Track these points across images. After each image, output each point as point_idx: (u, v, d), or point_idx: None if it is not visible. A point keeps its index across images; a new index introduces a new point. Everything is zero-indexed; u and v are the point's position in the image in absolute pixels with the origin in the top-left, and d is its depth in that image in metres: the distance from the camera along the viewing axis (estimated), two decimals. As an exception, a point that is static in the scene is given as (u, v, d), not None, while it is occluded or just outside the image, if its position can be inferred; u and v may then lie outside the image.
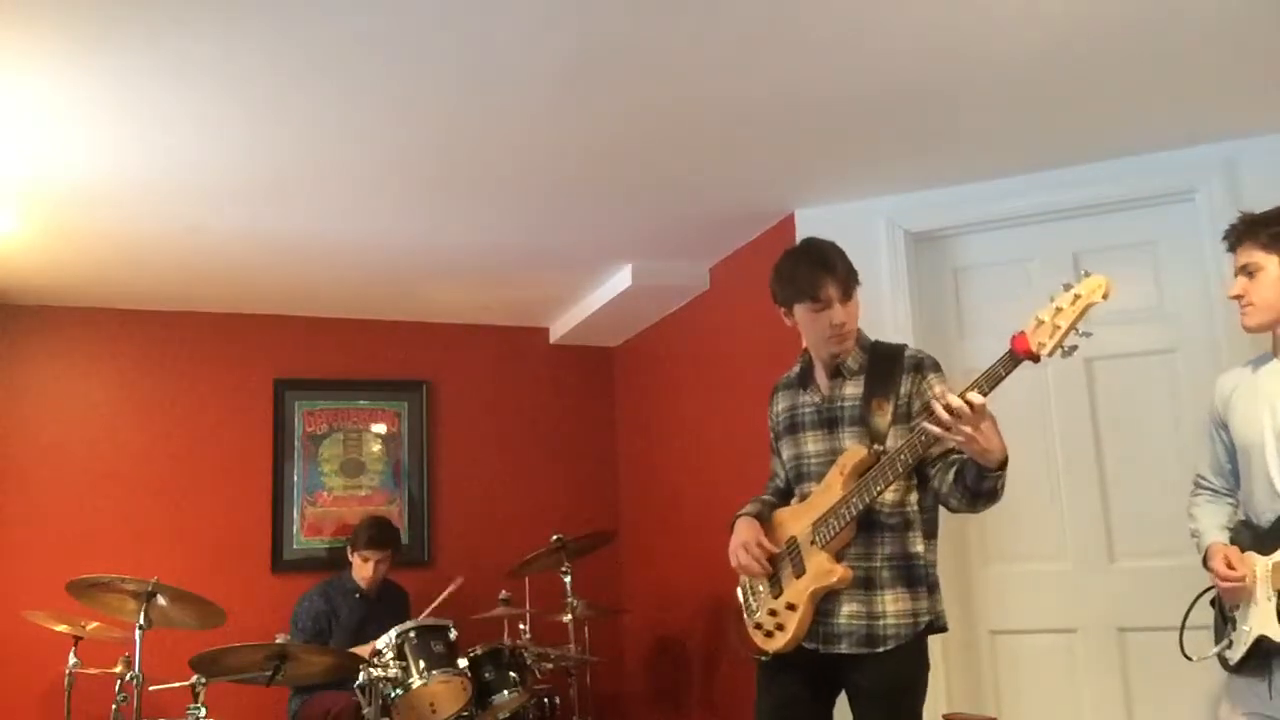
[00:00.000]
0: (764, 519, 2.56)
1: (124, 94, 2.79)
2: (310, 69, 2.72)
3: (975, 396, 2.06)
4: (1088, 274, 2.04)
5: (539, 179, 3.55)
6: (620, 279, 4.59)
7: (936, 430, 2.09)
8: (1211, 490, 2.51)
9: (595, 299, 4.86)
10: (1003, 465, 2.15)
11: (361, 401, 5.14)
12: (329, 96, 2.88)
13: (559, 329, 5.38)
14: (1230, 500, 2.48)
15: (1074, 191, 3.47)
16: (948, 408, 2.06)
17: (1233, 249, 2.36)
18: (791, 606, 2.39)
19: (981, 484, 2.18)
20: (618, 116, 3.07)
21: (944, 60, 2.78)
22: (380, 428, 5.16)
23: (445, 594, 4.23)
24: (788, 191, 3.73)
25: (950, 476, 2.28)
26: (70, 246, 3.96)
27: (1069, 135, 3.28)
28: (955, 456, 2.27)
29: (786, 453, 2.59)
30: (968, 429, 2.06)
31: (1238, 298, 2.33)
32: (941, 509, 2.46)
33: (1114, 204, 3.45)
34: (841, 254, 2.51)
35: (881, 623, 2.34)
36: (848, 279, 2.47)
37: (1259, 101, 3.07)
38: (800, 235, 3.73)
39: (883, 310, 3.59)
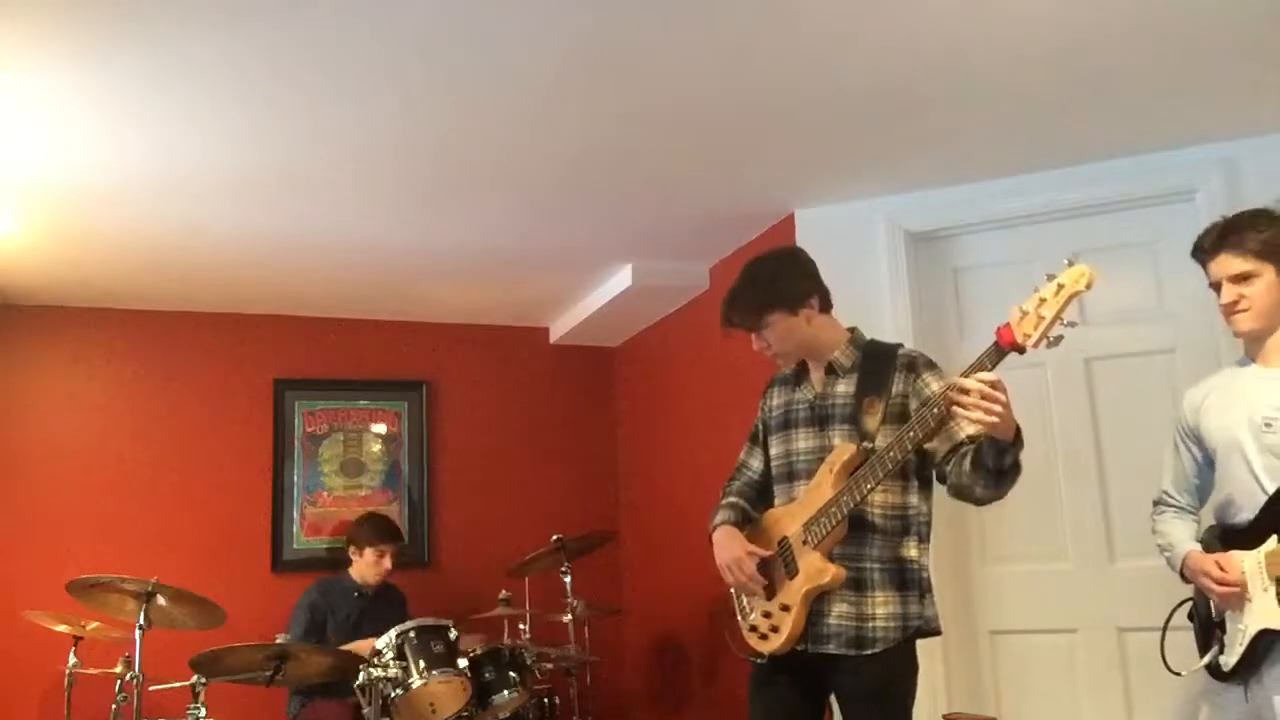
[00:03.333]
0: (741, 525, 2.56)
1: (125, 94, 2.79)
2: (310, 69, 2.72)
3: (988, 376, 2.04)
4: (1071, 263, 2.01)
5: (539, 179, 3.55)
6: (620, 279, 4.59)
7: (964, 413, 2.05)
8: (1176, 507, 2.49)
9: (595, 299, 4.86)
10: (1019, 437, 2.12)
11: (361, 401, 5.14)
12: (329, 97, 2.88)
13: (559, 329, 5.38)
14: (1194, 517, 2.46)
15: (1074, 191, 3.47)
16: (971, 388, 2.03)
17: (1206, 260, 2.36)
18: (786, 607, 2.38)
19: (1004, 460, 2.13)
20: (617, 116, 3.07)
21: (944, 60, 2.78)
22: (380, 428, 5.16)
23: None
24: (787, 191, 3.73)
25: (967, 465, 2.22)
26: (70, 246, 3.97)
27: (1069, 135, 3.28)
28: (967, 447, 2.24)
29: (776, 449, 2.59)
30: (998, 407, 2.01)
31: (1233, 304, 2.31)
32: (934, 511, 2.46)
33: (1114, 204, 3.45)
34: (757, 279, 2.55)
35: (870, 625, 2.33)
36: (752, 310, 2.50)
37: (1259, 101, 3.07)
38: (800, 235, 3.75)
39: (883, 310, 3.59)
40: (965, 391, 2.04)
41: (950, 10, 2.54)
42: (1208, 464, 2.41)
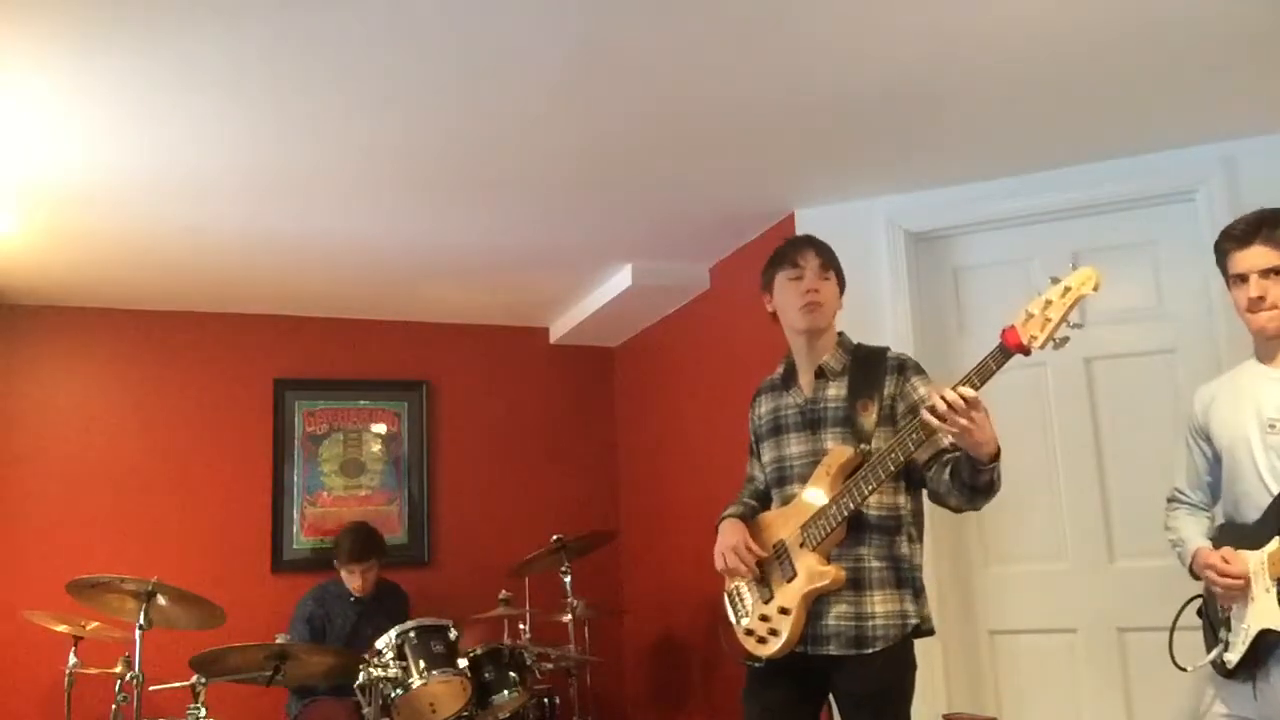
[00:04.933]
0: (749, 521, 2.56)
1: (124, 94, 2.79)
2: (310, 69, 2.72)
3: (967, 390, 2.07)
4: (1076, 266, 2.05)
5: (539, 179, 3.55)
6: (620, 279, 4.59)
7: (934, 423, 2.10)
8: (1189, 504, 2.49)
9: (595, 299, 4.86)
10: (996, 457, 2.15)
11: (361, 401, 5.14)
12: (329, 97, 2.88)
13: (559, 329, 5.38)
14: (1207, 514, 2.47)
15: (1074, 191, 3.47)
16: (945, 400, 2.07)
17: (1234, 250, 2.30)
18: (785, 610, 2.38)
19: (978, 478, 2.18)
20: (618, 117, 3.07)
21: (944, 60, 2.78)
22: (380, 428, 5.16)
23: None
24: (787, 191, 3.73)
25: (946, 475, 2.27)
26: (70, 246, 3.97)
27: (1069, 135, 3.28)
28: (949, 456, 2.28)
29: (768, 455, 2.59)
30: (963, 421, 2.06)
31: (1259, 299, 2.25)
32: (931, 512, 2.47)
33: (1114, 204, 3.45)
34: (825, 244, 2.60)
35: (870, 624, 2.33)
36: (830, 258, 2.55)
37: (1259, 101, 3.07)
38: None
39: (883, 310, 3.59)
40: (946, 401, 2.07)
41: (951, 11, 2.54)
42: (1217, 461, 2.41)
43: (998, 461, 2.16)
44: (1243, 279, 2.28)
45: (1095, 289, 2.01)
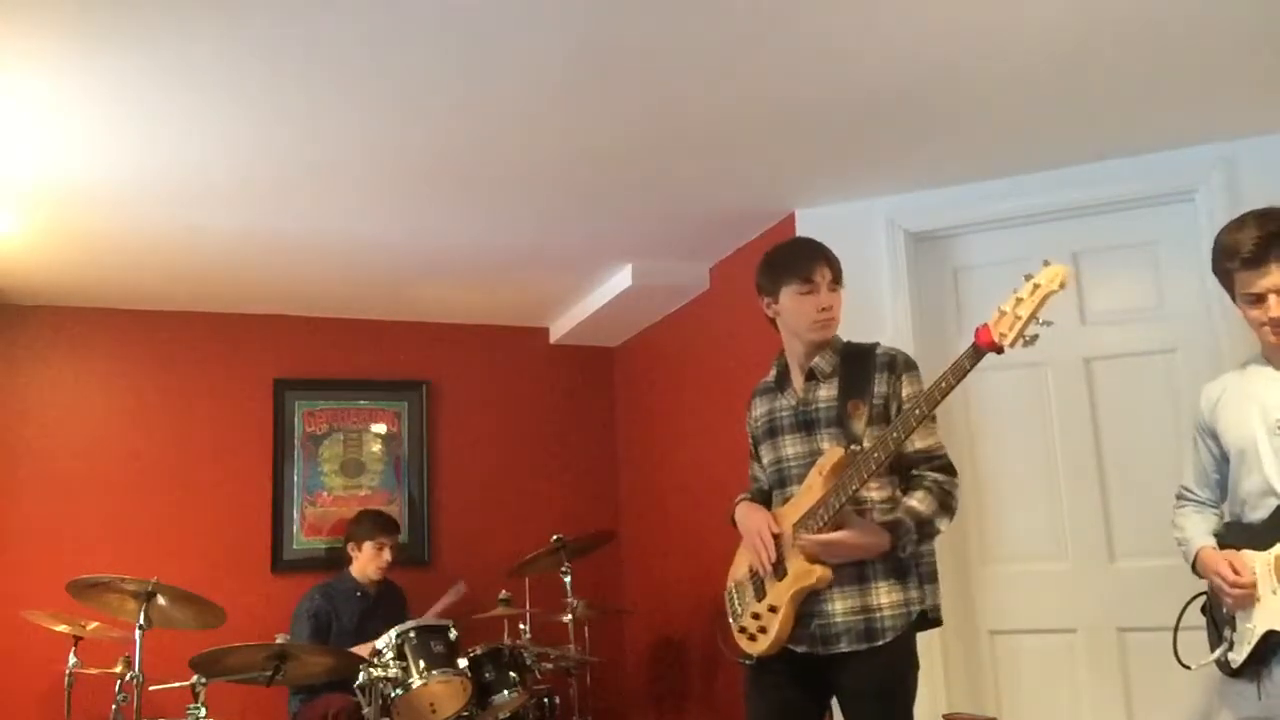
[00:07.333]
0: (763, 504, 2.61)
1: (124, 94, 2.79)
2: (310, 69, 2.72)
3: (820, 536, 2.29)
4: (1047, 263, 2.07)
5: (539, 179, 3.55)
6: (620, 279, 4.59)
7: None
8: (1196, 501, 2.49)
9: (595, 299, 4.86)
10: (897, 543, 2.31)
11: (361, 401, 5.14)
12: (329, 97, 2.88)
13: (559, 329, 5.38)
14: (1215, 511, 2.46)
15: (1074, 191, 3.47)
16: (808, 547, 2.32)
17: (1248, 269, 2.23)
18: (774, 609, 2.40)
19: (903, 552, 2.35)
20: (618, 116, 3.07)
21: (944, 60, 2.79)
22: (380, 428, 5.16)
23: (446, 603, 4.27)
24: (788, 191, 3.73)
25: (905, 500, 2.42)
26: (70, 246, 3.97)
27: (1069, 135, 3.28)
28: (914, 476, 2.41)
29: (767, 457, 2.60)
30: (832, 561, 2.30)
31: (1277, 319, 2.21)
32: None
33: (1114, 204, 3.45)
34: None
35: (878, 615, 2.35)
36: (839, 271, 2.53)
37: (1259, 101, 3.08)
38: (800, 235, 3.74)
39: (883, 310, 3.59)
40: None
41: (951, 12, 2.54)
42: (1225, 459, 2.40)
43: (905, 540, 2.32)
44: (1260, 299, 2.23)
45: (1062, 286, 2.03)
